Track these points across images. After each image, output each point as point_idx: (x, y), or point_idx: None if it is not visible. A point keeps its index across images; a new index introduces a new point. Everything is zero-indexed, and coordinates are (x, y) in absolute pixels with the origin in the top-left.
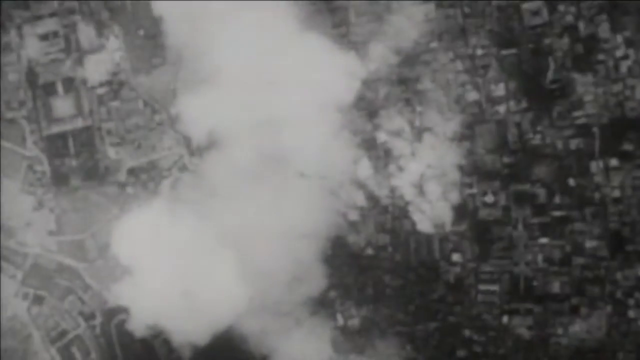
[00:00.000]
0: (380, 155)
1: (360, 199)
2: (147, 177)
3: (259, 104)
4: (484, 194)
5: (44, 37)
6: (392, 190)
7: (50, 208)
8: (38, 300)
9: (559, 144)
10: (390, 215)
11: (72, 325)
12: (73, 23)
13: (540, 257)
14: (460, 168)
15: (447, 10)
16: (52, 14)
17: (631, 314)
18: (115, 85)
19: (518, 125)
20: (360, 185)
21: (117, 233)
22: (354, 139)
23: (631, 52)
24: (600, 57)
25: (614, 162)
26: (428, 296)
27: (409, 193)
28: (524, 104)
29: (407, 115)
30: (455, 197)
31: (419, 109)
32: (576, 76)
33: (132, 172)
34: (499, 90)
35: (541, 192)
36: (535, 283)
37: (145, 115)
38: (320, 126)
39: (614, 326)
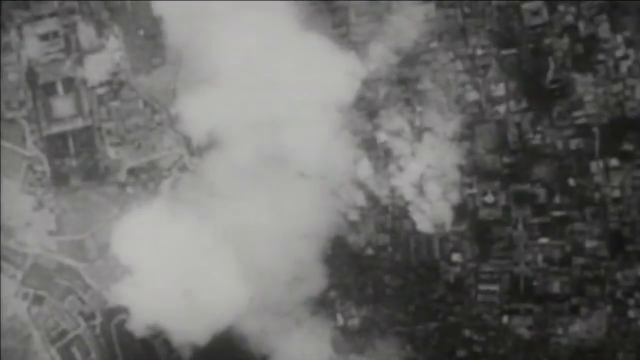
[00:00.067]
0: (380, 155)
1: (360, 199)
2: (147, 177)
3: (259, 104)
4: (484, 194)
5: (44, 37)
6: (392, 190)
7: (50, 208)
8: (38, 300)
9: (559, 144)
10: (390, 215)
11: (72, 325)
12: (73, 23)
13: (540, 257)
14: (460, 168)
15: (447, 10)
16: (52, 14)
17: (631, 314)
18: (115, 85)
19: (518, 125)
20: (360, 185)
21: (117, 233)
22: (354, 139)
23: (631, 52)
24: (600, 57)
25: (614, 162)
26: (428, 296)
27: (409, 193)
28: (524, 104)
29: (407, 115)
30: (455, 197)
31: (419, 109)
32: (576, 76)
33: (132, 172)
34: (499, 90)
35: (541, 192)
36: (535, 283)
37: (145, 115)
38: (320, 126)
39: (614, 326)
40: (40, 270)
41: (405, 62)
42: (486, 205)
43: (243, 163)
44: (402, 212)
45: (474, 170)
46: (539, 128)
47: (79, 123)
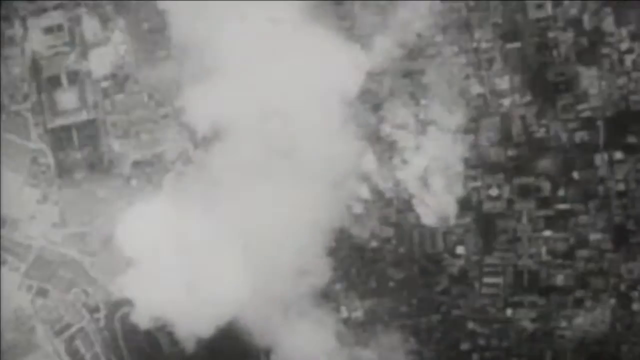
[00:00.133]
0: (385, 148)
1: (364, 192)
2: (151, 170)
3: (264, 96)
4: (489, 186)
5: (49, 30)
6: (397, 183)
7: (54, 201)
8: (42, 292)
9: (564, 137)
10: (394, 208)
11: (76, 318)
12: (77, 16)
13: (544, 250)
14: (465, 161)
15: (452, 3)
16: (57, 7)
17: (635, 306)
18: (119, 79)
19: (522, 118)
20: (365, 178)
21: (121, 226)
22: (358, 131)
23: (636, 45)
24: (605, 50)
25: (618, 155)
26: (432, 289)
27: (413, 186)
28: (528, 97)
29: (411, 108)
30: (459, 190)
31: (423, 102)
32: (581, 69)
33: (136, 165)
34: (504, 83)
35: (545, 185)
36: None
37: (149, 108)
38: (324, 119)
39: (618, 319)
40: (44, 263)
41: (409, 55)
42: (490, 198)
43: (247, 156)
44: (406, 205)
45: (478, 163)
46: (543, 121)
47: (84, 116)
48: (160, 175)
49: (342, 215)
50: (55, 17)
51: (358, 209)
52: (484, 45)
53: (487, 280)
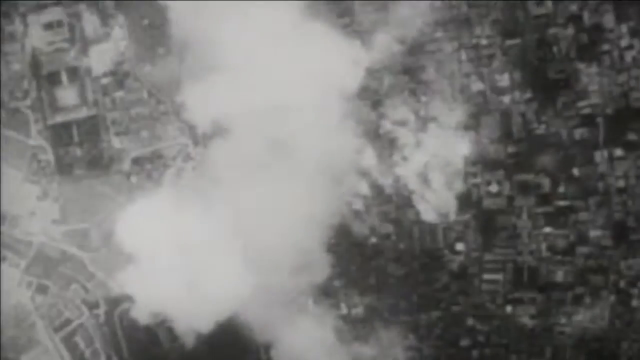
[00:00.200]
0: (385, 145)
1: (364, 188)
2: (151, 166)
3: (263, 92)
4: (488, 183)
5: (49, 26)
6: (397, 179)
7: (54, 197)
8: (42, 289)
9: (564, 134)
10: (394, 204)
11: (76, 314)
12: (77, 12)
13: (544, 247)
14: (465, 158)
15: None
16: (57, 3)
17: (635, 303)
18: (119, 75)
19: (522, 115)
20: (365, 174)
21: (121, 222)
22: (358, 128)
23: (636, 42)
24: (605, 47)
25: (618, 152)
26: (432, 285)
27: (413, 182)
28: (528, 94)
29: (411, 104)
30: (459, 186)
31: (423, 98)
32: (581, 66)
33: (136, 161)
34: (504, 80)
35: (545, 182)
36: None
37: (149, 105)
38: (324, 115)
39: (618, 315)
40: (44, 259)
41: (409, 52)
42: (490, 194)
43: (247, 152)
44: (406, 201)
45: (478, 160)
46: (543, 118)
47: (84, 112)
48: (160, 172)
49: (342, 212)
50: (55, 14)
51: (358, 205)
52: (484, 41)
53: (487, 276)
